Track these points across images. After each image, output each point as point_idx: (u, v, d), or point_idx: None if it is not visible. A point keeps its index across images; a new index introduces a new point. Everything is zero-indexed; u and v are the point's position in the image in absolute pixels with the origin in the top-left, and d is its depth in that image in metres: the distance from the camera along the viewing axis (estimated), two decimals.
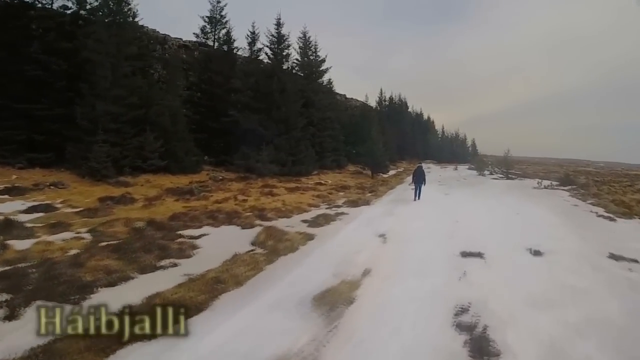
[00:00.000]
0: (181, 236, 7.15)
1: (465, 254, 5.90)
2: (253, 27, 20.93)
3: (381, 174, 24.10)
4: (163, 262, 5.39)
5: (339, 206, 11.16)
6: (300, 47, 26.16)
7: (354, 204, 11.33)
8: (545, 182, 19.33)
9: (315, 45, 27.24)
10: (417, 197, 12.71)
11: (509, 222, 8.70)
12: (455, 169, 40.24)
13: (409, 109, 69.89)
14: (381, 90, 76.92)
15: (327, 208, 10.71)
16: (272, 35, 20.12)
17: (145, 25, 33.00)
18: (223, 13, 22.03)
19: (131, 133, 15.45)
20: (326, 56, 27.97)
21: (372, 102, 61.60)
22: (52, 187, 12.04)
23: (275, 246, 6.13)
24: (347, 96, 64.69)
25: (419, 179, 13.03)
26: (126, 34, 15.78)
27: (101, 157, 13.66)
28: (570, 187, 17.76)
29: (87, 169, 13.56)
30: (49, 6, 16.93)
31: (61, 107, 14.75)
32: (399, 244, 6.57)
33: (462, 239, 6.73)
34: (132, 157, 15.02)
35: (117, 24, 16.11)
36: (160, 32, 32.75)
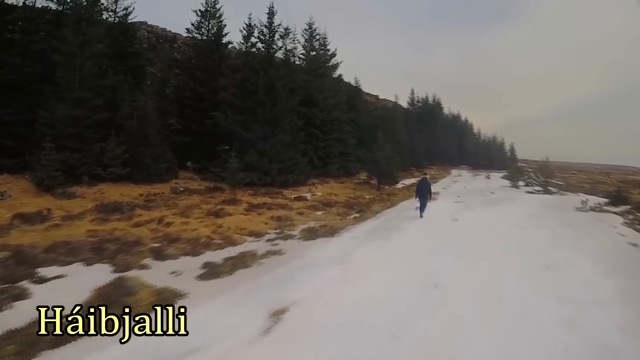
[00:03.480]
0: (32, 275, 5.69)
1: None
2: (249, 19, 18.85)
3: (389, 185, 20.83)
4: None
5: (289, 237, 8.57)
6: (305, 40, 23.76)
7: (311, 235, 8.64)
8: (592, 200, 15.04)
9: (324, 38, 24.68)
10: (421, 214, 11.10)
11: (529, 294, 5.07)
12: (488, 177, 35.32)
13: (444, 111, 64.68)
14: (412, 90, 72.16)
15: (267, 241, 8.17)
16: (265, 26, 17.87)
17: (155, 24, 32.90)
18: (217, 6, 20.31)
19: (94, 138, 14.04)
20: (336, 49, 25.19)
21: (405, 103, 57.61)
22: None
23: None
24: (380, 97, 61.28)
25: (423, 193, 11.21)
26: (93, 32, 14.35)
27: (50, 164, 12.27)
28: (623, 207, 13.49)
29: (34, 179, 12.26)
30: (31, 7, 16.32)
31: (31, 112, 13.74)
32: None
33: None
34: (91, 164, 13.56)
35: (87, 20, 14.79)
36: (172, 31, 32.15)
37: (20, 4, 16.24)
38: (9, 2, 15.47)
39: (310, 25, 23.97)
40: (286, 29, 23.46)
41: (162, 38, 30.67)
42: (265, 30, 17.84)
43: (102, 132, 14.19)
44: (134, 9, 19.51)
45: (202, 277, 5.90)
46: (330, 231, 8.97)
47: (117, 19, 19.31)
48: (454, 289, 5.17)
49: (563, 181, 32.40)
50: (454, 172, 45.79)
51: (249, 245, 7.77)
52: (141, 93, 15.44)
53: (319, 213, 11.90)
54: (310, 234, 8.62)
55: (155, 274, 6.07)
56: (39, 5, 16.86)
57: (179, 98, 19.36)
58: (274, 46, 18.13)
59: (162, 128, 16.33)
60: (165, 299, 5.02)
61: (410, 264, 6.38)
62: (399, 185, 22.64)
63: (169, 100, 19.06)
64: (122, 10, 19.53)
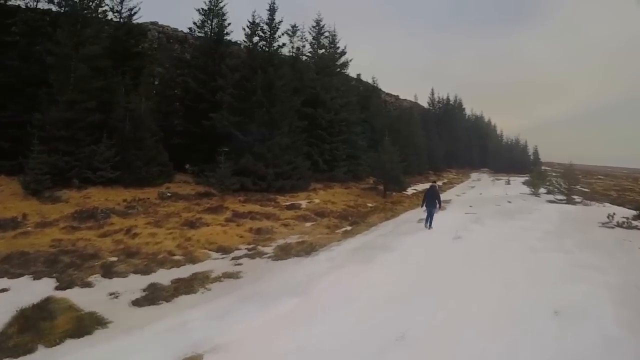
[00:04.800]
0: None
1: None
2: (253, 16, 18.14)
3: (396, 191, 19.56)
4: None
5: (259, 254, 7.77)
6: (313, 38, 22.89)
7: (284, 253, 7.76)
8: (619, 212, 13.23)
9: (334, 35, 23.71)
10: (428, 225, 10.52)
11: None
12: (508, 182, 33.00)
13: (466, 111, 61.94)
14: (432, 90, 69.71)
15: (233, 259, 7.40)
16: (265, 23, 17.13)
17: (167, 24, 33.04)
18: (221, 4, 19.82)
19: (86, 141, 13.84)
20: (345, 47, 24.13)
21: (425, 104, 55.59)
22: None
23: None
24: (400, 97, 59.53)
25: (431, 202, 10.49)
26: (87, 33, 14.15)
27: (38, 167, 12.10)
28: None
29: (22, 182, 12.13)
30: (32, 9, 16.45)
31: (28, 114, 13.76)
32: None
33: None
34: (82, 167, 13.34)
35: (82, 21, 14.61)
36: (184, 31, 32.16)
37: (23, 6, 16.49)
38: (10, 4, 15.60)
39: (318, 22, 23.08)
40: (294, 26, 22.71)
41: (173, 38, 30.72)
42: (265, 27, 17.11)
43: (95, 134, 13.99)
44: (139, 9, 19.38)
45: (136, 303, 5.24)
46: (308, 249, 8.08)
47: (122, 19, 19.28)
48: (423, 347, 4.09)
49: (588, 187, 29.78)
50: (474, 175, 43.53)
51: (210, 263, 7.04)
52: (137, 94, 15.15)
53: (307, 225, 11.03)
54: (284, 252, 7.76)
55: (93, 295, 5.56)
56: (40, 7, 17.12)
57: (180, 98, 19.06)
58: (275, 44, 17.38)
59: (160, 130, 16.01)
60: (83, 327, 4.46)
61: (385, 301, 5.32)
62: (409, 192, 21.34)
63: (169, 100, 18.79)
64: (127, 10, 19.50)
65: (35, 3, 16.68)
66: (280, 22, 17.49)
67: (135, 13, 19.56)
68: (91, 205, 11.09)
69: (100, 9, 16.58)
